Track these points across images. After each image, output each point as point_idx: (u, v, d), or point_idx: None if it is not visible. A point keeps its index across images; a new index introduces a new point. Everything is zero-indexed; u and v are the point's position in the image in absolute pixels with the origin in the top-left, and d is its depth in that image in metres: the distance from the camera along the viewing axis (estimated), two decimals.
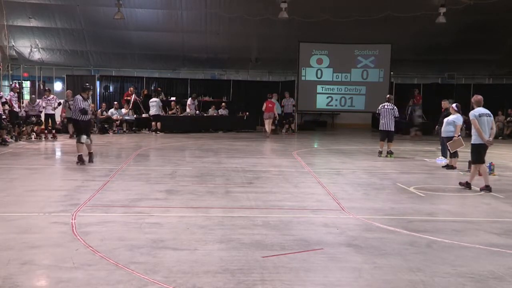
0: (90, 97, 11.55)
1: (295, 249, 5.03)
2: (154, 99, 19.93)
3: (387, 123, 12.97)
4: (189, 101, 21.07)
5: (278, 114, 20.72)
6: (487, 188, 8.37)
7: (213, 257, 4.73)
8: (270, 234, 5.54)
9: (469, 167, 10.64)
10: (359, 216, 6.51)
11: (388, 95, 13.78)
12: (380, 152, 13.05)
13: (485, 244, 5.36)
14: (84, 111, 10.66)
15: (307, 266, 4.58)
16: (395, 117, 13.09)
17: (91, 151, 10.91)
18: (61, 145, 14.85)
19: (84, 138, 10.59)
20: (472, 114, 8.52)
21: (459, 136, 11.03)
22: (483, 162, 8.62)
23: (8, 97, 15.97)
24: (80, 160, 10.51)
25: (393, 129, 13.08)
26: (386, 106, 13.07)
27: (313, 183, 8.98)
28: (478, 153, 8.56)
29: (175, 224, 5.89)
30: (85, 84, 11.93)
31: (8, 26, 20.26)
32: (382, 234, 5.70)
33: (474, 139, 8.53)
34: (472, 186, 8.61)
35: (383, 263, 4.69)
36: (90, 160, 10.76)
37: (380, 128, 13.16)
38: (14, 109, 15.96)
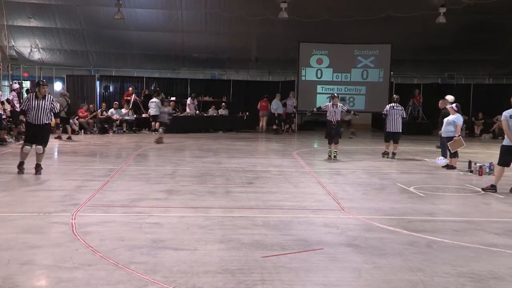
0: (51, 97, 9.48)
1: (295, 249, 5.03)
2: (153, 99, 19.93)
3: (395, 124, 12.65)
4: (188, 100, 21.10)
5: (279, 113, 20.80)
6: (492, 188, 8.33)
7: (213, 257, 4.73)
8: (270, 234, 5.54)
9: (469, 167, 10.67)
10: (359, 216, 6.51)
11: (396, 96, 13.43)
12: (386, 154, 12.79)
13: (485, 244, 5.36)
14: (22, 112, 9.31)
15: (307, 266, 4.58)
16: (402, 117, 12.85)
17: (40, 162, 9.24)
18: (59, 145, 14.83)
19: (27, 148, 9.26)
20: (503, 115, 8.36)
21: (459, 136, 11.05)
22: (507, 165, 8.38)
23: (10, 97, 16.00)
24: (19, 167, 9.21)
25: (401, 130, 12.76)
26: (395, 107, 12.75)
27: (313, 183, 8.98)
28: (502, 155, 8.39)
29: (175, 224, 5.89)
30: (41, 80, 10.87)
31: (8, 26, 20.24)
32: (382, 234, 5.70)
33: (505, 140, 8.37)
34: (497, 189, 8.34)
35: (383, 263, 4.69)
36: (37, 172, 9.14)
37: (388, 130, 12.75)
38: (16, 109, 15.97)
